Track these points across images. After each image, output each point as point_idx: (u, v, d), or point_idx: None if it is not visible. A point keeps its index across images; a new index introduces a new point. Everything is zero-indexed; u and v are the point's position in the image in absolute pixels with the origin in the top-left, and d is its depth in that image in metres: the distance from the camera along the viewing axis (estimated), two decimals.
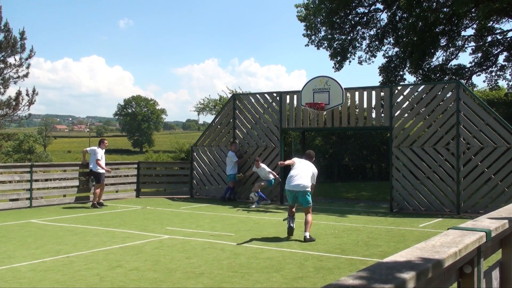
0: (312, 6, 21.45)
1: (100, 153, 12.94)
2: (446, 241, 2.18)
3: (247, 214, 11.56)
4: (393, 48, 21.52)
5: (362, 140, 21.18)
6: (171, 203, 13.85)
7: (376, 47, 21.90)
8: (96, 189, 12.91)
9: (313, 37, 21.82)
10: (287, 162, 8.75)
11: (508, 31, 19.83)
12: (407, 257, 1.84)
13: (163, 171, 16.90)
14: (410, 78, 76.84)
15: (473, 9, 17.98)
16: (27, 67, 22.31)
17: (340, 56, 21.43)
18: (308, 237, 8.05)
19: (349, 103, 13.15)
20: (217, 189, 15.05)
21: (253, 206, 12.91)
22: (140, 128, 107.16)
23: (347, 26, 21.29)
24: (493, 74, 20.52)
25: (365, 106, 12.98)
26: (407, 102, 12.34)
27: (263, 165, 13.25)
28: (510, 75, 20.55)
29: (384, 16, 22.79)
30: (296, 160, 8.67)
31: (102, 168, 12.86)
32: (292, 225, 8.29)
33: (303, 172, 8.26)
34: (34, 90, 22.40)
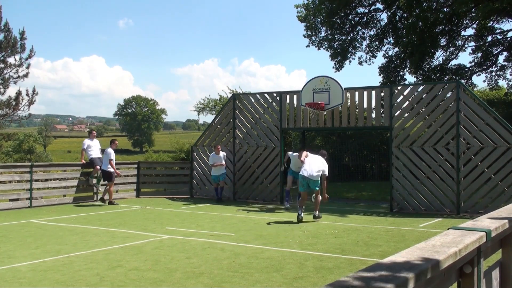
0: (312, 6, 21.45)
1: (112, 153, 13.44)
2: (446, 241, 2.18)
3: (247, 214, 11.56)
4: (393, 48, 21.51)
5: (362, 140, 21.21)
6: (171, 203, 13.86)
7: (376, 47, 21.89)
8: (110, 187, 13.38)
9: (313, 37, 21.84)
10: (304, 155, 10.58)
11: (508, 31, 19.83)
12: (407, 257, 1.84)
13: (163, 171, 16.91)
14: (410, 78, 76.78)
15: (473, 9, 17.98)
16: (27, 67, 22.34)
17: (340, 56, 21.42)
18: (317, 215, 10.32)
19: (349, 103, 13.15)
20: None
21: (287, 205, 12.43)
22: (140, 128, 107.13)
23: (347, 26, 21.28)
24: (493, 74, 20.50)
25: (365, 106, 12.97)
26: (407, 102, 12.34)
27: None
28: (510, 75, 20.57)
29: (384, 16, 22.82)
30: (306, 154, 10.59)
31: (114, 168, 13.36)
32: (301, 214, 10.02)
33: (313, 164, 10.04)
34: (34, 90, 22.44)
